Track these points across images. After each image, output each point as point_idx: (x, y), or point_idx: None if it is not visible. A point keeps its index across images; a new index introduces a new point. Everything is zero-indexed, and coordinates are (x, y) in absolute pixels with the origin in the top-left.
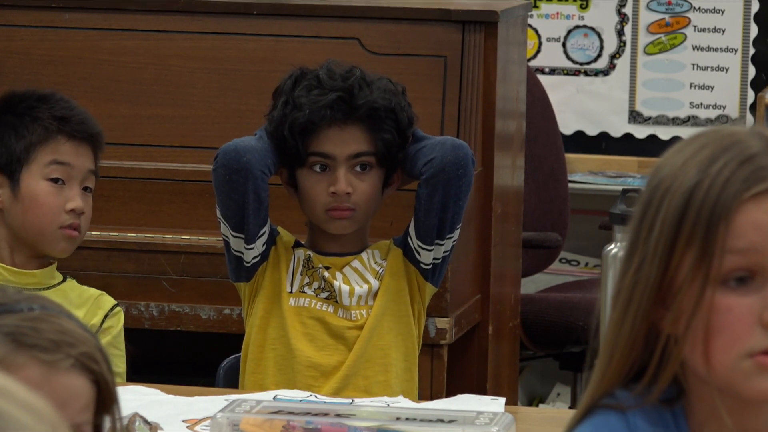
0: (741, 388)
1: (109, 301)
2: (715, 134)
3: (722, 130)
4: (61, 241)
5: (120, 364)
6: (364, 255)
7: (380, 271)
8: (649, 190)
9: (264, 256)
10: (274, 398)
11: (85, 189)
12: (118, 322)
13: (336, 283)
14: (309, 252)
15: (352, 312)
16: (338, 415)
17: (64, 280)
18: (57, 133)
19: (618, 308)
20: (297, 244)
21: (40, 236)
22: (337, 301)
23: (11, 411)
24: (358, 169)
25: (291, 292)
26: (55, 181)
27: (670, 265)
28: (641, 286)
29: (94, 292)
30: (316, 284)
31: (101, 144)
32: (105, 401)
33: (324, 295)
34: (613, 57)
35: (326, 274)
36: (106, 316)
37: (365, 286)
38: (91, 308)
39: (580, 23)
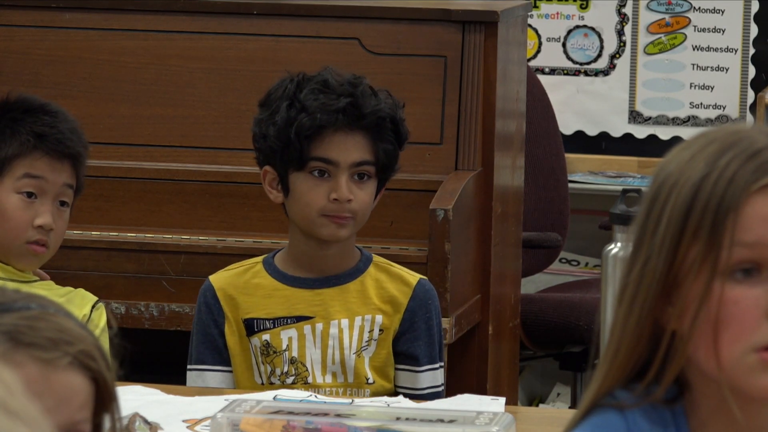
0: (744, 384)
1: (91, 296)
2: (721, 131)
3: (728, 127)
4: (27, 256)
5: None
6: (359, 307)
7: (368, 345)
8: (655, 185)
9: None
10: (274, 398)
11: (61, 204)
12: (100, 317)
13: (308, 355)
14: (266, 336)
15: (325, 390)
16: (338, 415)
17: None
18: (33, 149)
19: (624, 304)
20: (250, 331)
21: (5, 249)
22: (307, 382)
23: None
24: (356, 177)
25: (262, 384)
26: (28, 195)
27: (676, 259)
28: (647, 281)
29: (70, 288)
30: (278, 370)
31: (82, 161)
32: (104, 399)
33: (289, 380)
34: (613, 57)
35: (294, 354)
36: (92, 308)
37: (338, 363)
38: (75, 299)
39: (580, 23)
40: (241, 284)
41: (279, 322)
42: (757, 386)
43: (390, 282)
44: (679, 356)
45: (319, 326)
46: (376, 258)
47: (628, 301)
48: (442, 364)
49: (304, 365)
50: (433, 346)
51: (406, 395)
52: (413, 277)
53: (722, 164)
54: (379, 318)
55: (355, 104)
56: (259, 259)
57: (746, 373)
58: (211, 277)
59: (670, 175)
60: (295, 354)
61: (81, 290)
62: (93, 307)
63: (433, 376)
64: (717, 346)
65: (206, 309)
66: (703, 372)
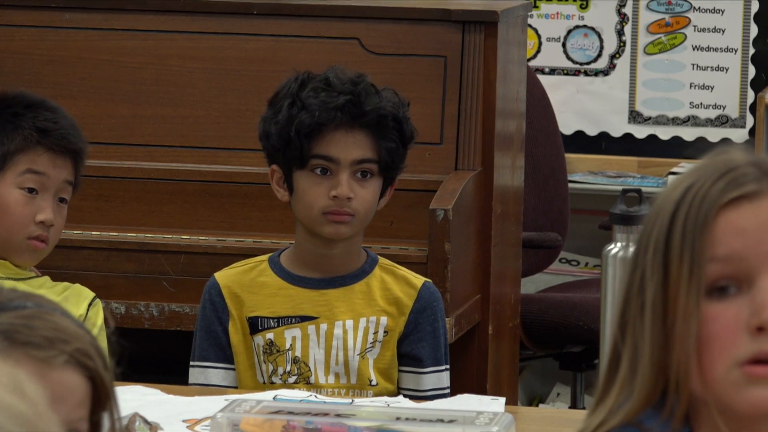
0: (732, 400)
1: (87, 293)
2: (705, 158)
3: (713, 154)
4: (27, 251)
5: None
6: (363, 309)
7: (373, 347)
8: (646, 218)
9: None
10: (274, 398)
11: (60, 200)
12: (97, 315)
13: (312, 355)
14: (269, 335)
15: (327, 390)
16: (338, 415)
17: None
18: (36, 144)
19: (629, 340)
20: (254, 329)
21: (6, 244)
22: (309, 382)
23: None
24: (359, 175)
25: (263, 383)
26: (30, 190)
27: (668, 286)
28: (649, 312)
29: (67, 284)
30: (281, 369)
31: (82, 158)
32: (101, 398)
33: (292, 379)
34: (613, 57)
35: (298, 354)
36: (89, 306)
37: (341, 364)
38: (71, 297)
39: (580, 23)
40: (247, 282)
41: (283, 321)
42: (745, 401)
43: (395, 284)
44: (682, 387)
45: (324, 327)
46: (382, 260)
47: (635, 335)
48: (448, 367)
49: (307, 365)
50: (438, 349)
51: (409, 397)
52: (418, 279)
53: (697, 184)
54: (383, 320)
55: (354, 102)
56: (265, 257)
57: (732, 389)
58: (217, 275)
59: (656, 206)
60: (298, 354)
61: (77, 287)
62: (90, 304)
63: (438, 378)
64: (701, 365)
65: (211, 306)
66: (698, 396)
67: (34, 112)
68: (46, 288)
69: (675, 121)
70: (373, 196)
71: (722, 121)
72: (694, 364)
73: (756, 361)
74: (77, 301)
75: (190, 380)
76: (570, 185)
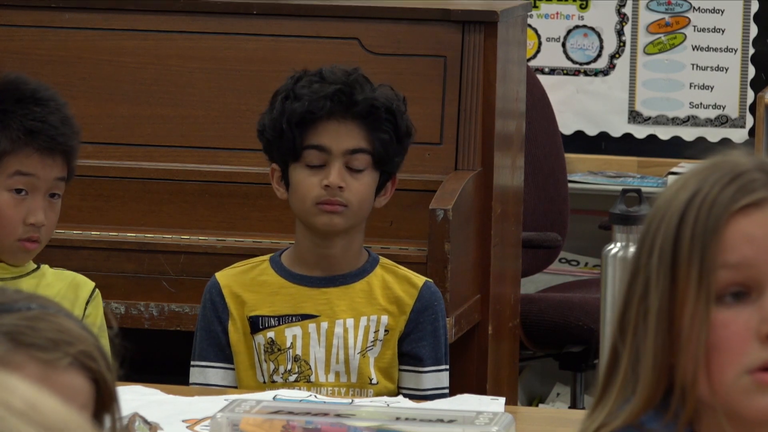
0: (741, 407)
1: (85, 287)
2: (708, 161)
3: (717, 156)
4: (19, 252)
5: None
6: (364, 307)
7: (374, 346)
8: (647, 220)
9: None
10: (274, 398)
11: (52, 196)
12: (96, 314)
13: (312, 353)
14: (270, 333)
15: (327, 389)
16: (338, 415)
17: (37, 269)
18: (24, 146)
19: (629, 343)
20: (255, 328)
21: None
22: (310, 380)
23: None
24: (353, 169)
25: (264, 382)
26: (19, 191)
27: (676, 291)
28: (653, 317)
29: (68, 277)
30: (281, 368)
31: (74, 153)
32: (104, 399)
33: (292, 378)
34: (612, 57)
35: (298, 352)
36: (87, 303)
37: (342, 362)
38: (68, 294)
39: (580, 23)
40: (248, 281)
41: (284, 319)
42: (754, 408)
43: (396, 283)
44: (689, 393)
45: (324, 325)
46: (383, 260)
47: (638, 340)
48: (447, 367)
49: (308, 364)
50: (438, 348)
51: (409, 396)
52: (419, 279)
53: (705, 189)
54: (384, 318)
55: (345, 91)
56: (266, 257)
57: (741, 396)
58: (218, 275)
59: (659, 208)
60: (299, 352)
61: (75, 281)
62: (87, 301)
63: (437, 378)
64: (709, 371)
65: (211, 306)
66: (704, 401)
67: (24, 109)
68: (40, 288)
69: (675, 121)
70: (366, 188)
71: (722, 121)
72: (702, 370)
73: (766, 368)
74: (73, 299)
75: (191, 380)
76: (570, 185)
